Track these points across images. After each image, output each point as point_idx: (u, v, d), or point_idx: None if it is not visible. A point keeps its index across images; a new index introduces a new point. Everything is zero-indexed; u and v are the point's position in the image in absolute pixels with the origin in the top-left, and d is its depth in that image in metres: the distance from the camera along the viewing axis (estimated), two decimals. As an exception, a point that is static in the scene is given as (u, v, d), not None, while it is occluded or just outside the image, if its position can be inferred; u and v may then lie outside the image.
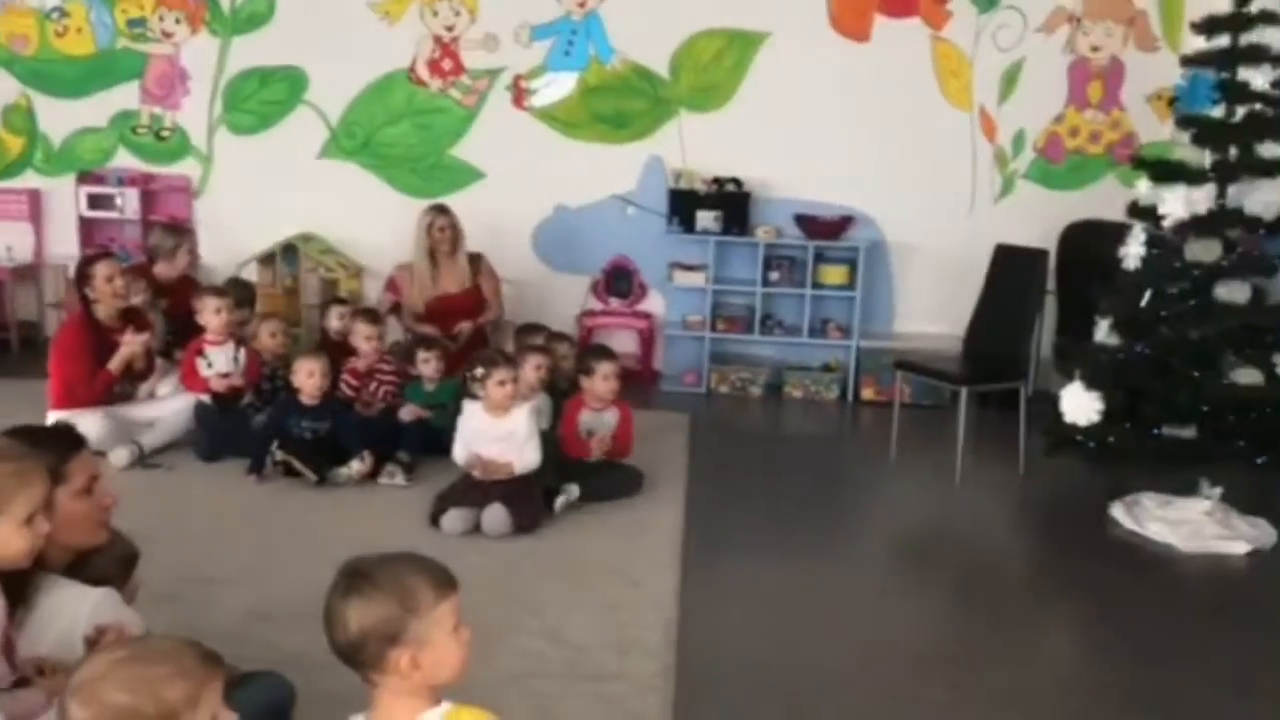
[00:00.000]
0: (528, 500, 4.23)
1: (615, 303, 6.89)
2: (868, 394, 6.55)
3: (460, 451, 4.36)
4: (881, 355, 6.36)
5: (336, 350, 5.28)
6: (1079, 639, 3.70)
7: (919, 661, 3.36)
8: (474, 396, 4.39)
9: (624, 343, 6.86)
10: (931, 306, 6.62)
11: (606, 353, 4.88)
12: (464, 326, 5.85)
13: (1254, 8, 4.52)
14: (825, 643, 3.48)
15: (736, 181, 6.57)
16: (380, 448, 4.72)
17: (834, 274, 6.57)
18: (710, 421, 6.06)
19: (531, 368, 4.86)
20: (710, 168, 6.61)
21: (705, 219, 6.55)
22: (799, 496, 4.88)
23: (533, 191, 6.77)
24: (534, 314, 6.10)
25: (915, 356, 5.64)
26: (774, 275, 6.61)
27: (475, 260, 6.02)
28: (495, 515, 4.12)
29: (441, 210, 5.94)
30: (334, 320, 5.64)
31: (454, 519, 4.15)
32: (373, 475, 4.66)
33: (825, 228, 6.54)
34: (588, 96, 6.74)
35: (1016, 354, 5.24)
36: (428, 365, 5.18)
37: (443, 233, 5.87)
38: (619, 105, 6.73)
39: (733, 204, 6.54)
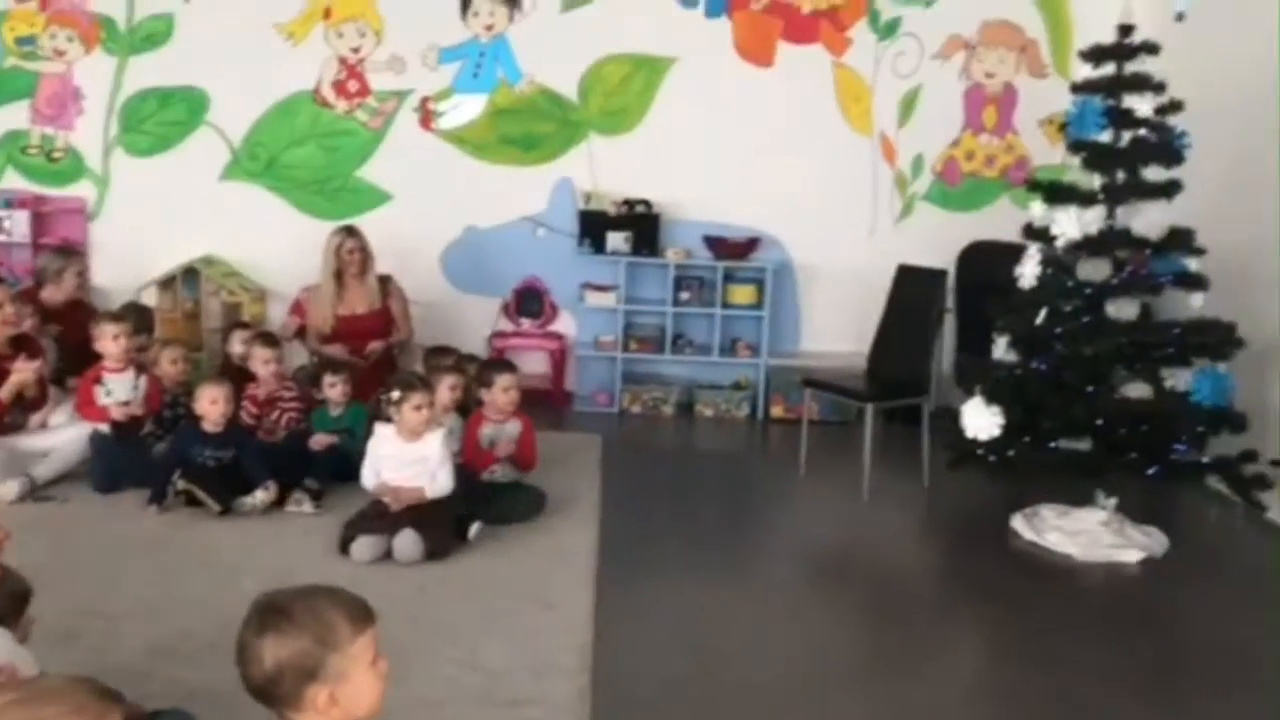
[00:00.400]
0: (439, 526, 4.18)
1: (526, 324, 6.88)
2: (777, 411, 6.64)
3: (369, 477, 4.30)
4: (790, 373, 6.46)
5: (240, 376, 5.17)
6: (987, 649, 3.79)
7: (834, 677, 3.42)
8: (386, 419, 4.34)
9: (535, 363, 6.86)
10: (837, 325, 6.75)
11: (505, 365, 4.90)
12: (375, 346, 5.78)
13: (1136, 38, 4.73)
14: (741, 661, 3.51)
15: (646, 203, 6.63)
16: (287, 475, 4.63)
17: (743, 294, 6.66)
18: (623, 441, 6.08)
19: (446, 388, 4.83)
20: (620, 190, 6.66)
21: (616, 240, 6.59)
22: (712, 515, 4.93)
23: (442, 213, 6.74)
24: (444, 336, 6.07)
25: (822, 374, 5.74)
26: (684, 295, 6.68)
27: (384, 282, 5.96)
28: (406, 541, 4.07)
29: (351, 232, 5.86)
30: (237, 345, 5.52)
31: (364, 546, 4.09)
32: (280, 503, 4.57)
33: (734, 249, 6.63)
34: (497, 119, 6.73)
35: (919, 371, 5.37)
36: (334, 390, 5.10)
37: (351, 255, 5.80)
38: (528, 128, 6.74)
39: (643, 225, 6.60)
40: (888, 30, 6.66)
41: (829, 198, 6.72)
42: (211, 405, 4.61)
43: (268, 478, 4.54)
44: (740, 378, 6.83)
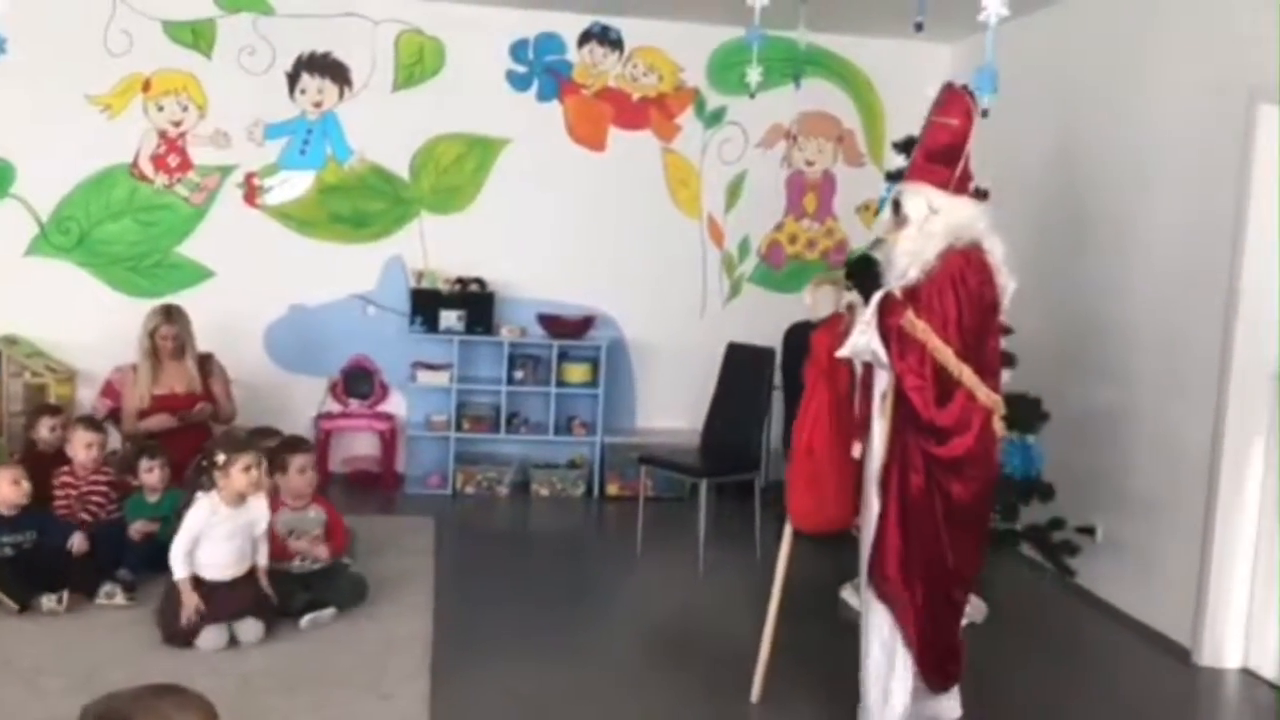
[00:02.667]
0: (269, 604, 4.14)
1: (355, 404, 6.71)
2: (613, 489, 6.66)
3: (181, 564, 4.05)
4: (625, 450, 6.51)
5: (46, 461, 4.86)
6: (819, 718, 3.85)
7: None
8: (204, 488, 4.13)
9: (365, 445, 6.70)
10: (671, 402, 6.86)
11: (300, 444, 4.71)
12: (202, 407, 5.52)
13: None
14: (581, 742, 3.47)
15: (480, 281, 6.62)
16: (99, 566, 4.36)
17: (577, 372, 6.70)
18: (457, 523, 5.97)
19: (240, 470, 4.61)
20: (453, 268, 6.64)
21: (449, 318, 6.54)
22: (548, 595, 4.88)
23: (266, 291, 6.55)
24: (268, 417, 5.83)
25: (657, 451, 5.81)
26: (519, 374, 6.67)
27: (204, 361, 5.71)
28: (251, 626, 4.02)
29: (169, 315, 5.58)
30: (44, 430, 5.18)
31: (211, 636, 3.95)
32: (89, 595, 4.28)
33: (568, 327, 6.68)
34: (325, 195, 6.63)
35: (749, 446, 5.50)
36: (151, 475, 4.83)
37: (165, 340, 5.53)
38: (358, 205, 6.66)
39: (476, 304, 6.58)
40: (714, 119, 6.92)
41: (661, 277, 6.87)
42: (13, 486, 4.32)
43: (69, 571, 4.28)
44: (576, 456, 6.83)
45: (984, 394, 3.31)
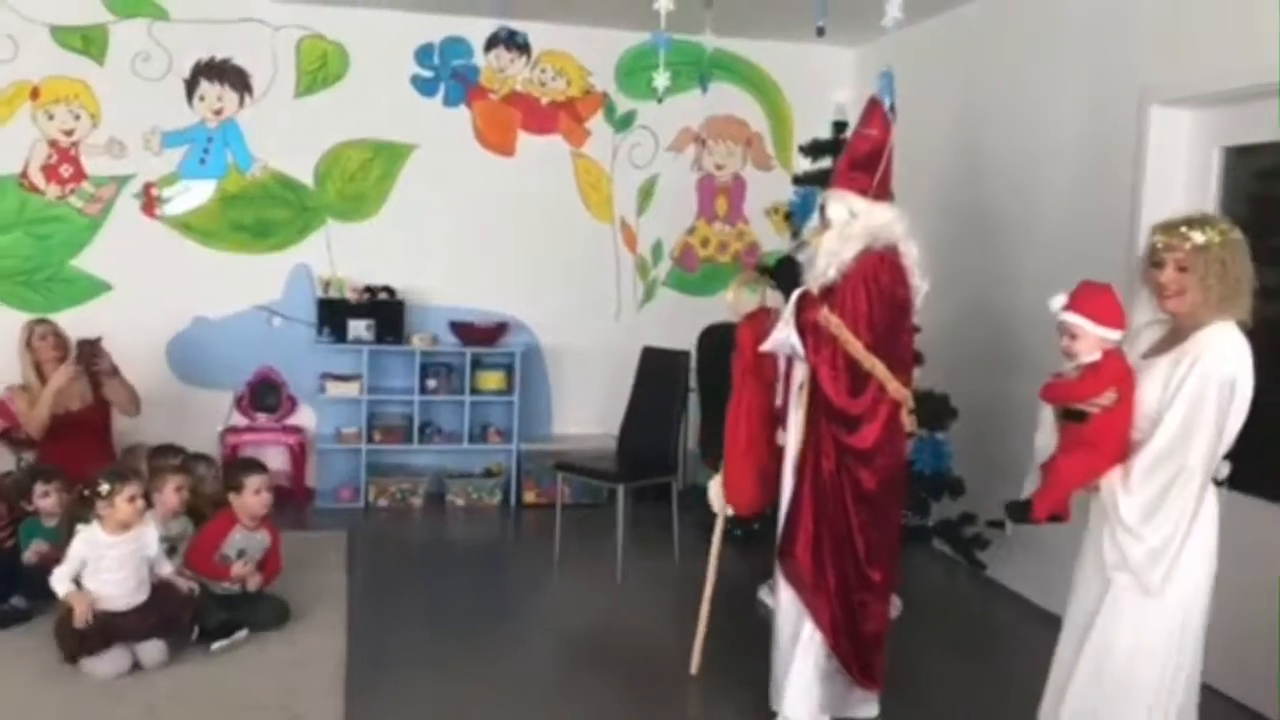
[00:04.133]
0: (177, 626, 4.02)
1: (262, 418, 6.55)
2: (530, 497, 6.61)
3: (64, 583, 3.93)
4: (542, 458, 6.46)
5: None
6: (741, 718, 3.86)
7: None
8: (87, 520, 4.01)
9: (273, 459, 6.51)
10: (587, 408, 6.83)
11: (256, 466, 4.62)
12: (97, 351, 5.38)
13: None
14: (500, 756, 3.42)
15: (389, 290, 6.51)
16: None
17: (492, 379, 6.63)
18: (370, 537, 5.87)
19: (172, 489, 4.50)
20: (361, 276, 6.53)
21: (357, 328, 6.42)
22: (465, 606, 4.81)
23: (167, 303, 6.36)
24: (171, 433, 5.67)
25: (574, 457, 5.78)
26: (431, 383, 6.57)
27: (94, 374, 5.49)
28: (154, 649, 3.91)
29: (40, 320, 5.42)
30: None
31: (111, 661, 3.82)
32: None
33: (481, 334, 6.61)
34: (227, 205, 6.46)
35: (666, 450, 5.50)
36: (47, 499, 4.65)
37: (44, 340, 5.33)
38: (261, 214, 6.51)
39: (386, 312, 6.47)
40: (623, 123, 6.91)
41: (574, 283, 6.84)
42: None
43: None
44: (492, 464, 6.76)
45: (894, 387, 3.49)
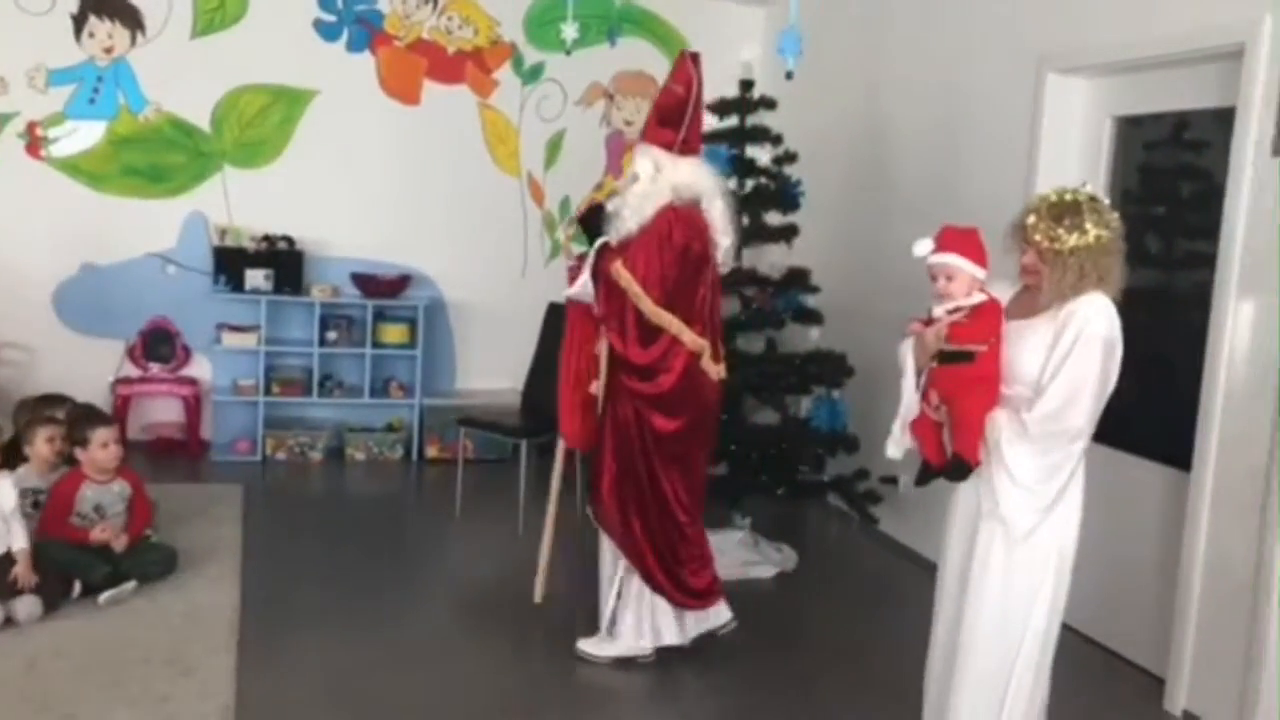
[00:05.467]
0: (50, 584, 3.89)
1: (155, 368, 6.37)
2: (432, 452, 6.56)
3: None
4: (445, 413, 6.41)
5: None
6: (641, 674, 3.90)
7: (490, 714, 3.40)
8: None
9: (167, 411, 6.39)
10: (492, 363, 6.79)
11: (101, 417, 4.47)
12: None
13: (756, 93, 5.15)
14: (394, 708, 3.42)
15: (288, 239, 6.36)
16: None
17: (394, 333, 6.54)
18: (267, 490, 5.77)
19: (43, 441, 4.32)
20: (259, 225, 6.36)
21: (255, 278, 6.27)
22: (364, 562, 4.77)
23: (54, 249, 6.13)
24: (58, 383, 5.47)
25: (477, 412, 5.75)
26: (332, 335, 6.46)
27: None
28: (27, 602, 3.79)
29: None
30: None
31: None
32: None
33: (383, 286, 6.51)
34: (118, 148, 6.23)
35: (570, 406, 5.49)
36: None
37: None
38: (154, 158, 6.29)
39: (285, 262, 6.33)
40: (532, 75, 6.83)
41: (480, 236, 6.77)
42: None
43: None
44: (393, 419, 6.69)
45: (689, 338, 3.64)
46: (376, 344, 6.50)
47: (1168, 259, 4.32)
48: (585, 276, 3.71)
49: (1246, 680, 3.46)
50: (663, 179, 3.63)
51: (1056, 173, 4.46)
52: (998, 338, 2.76)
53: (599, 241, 3.72)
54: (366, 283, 6.49)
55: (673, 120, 3.68)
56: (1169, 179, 4.29)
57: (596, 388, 3.84)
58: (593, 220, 3.85)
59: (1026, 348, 2.73)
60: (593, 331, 3.84)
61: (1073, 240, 2.66)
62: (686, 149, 3.69)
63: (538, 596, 4.24)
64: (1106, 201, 2.79)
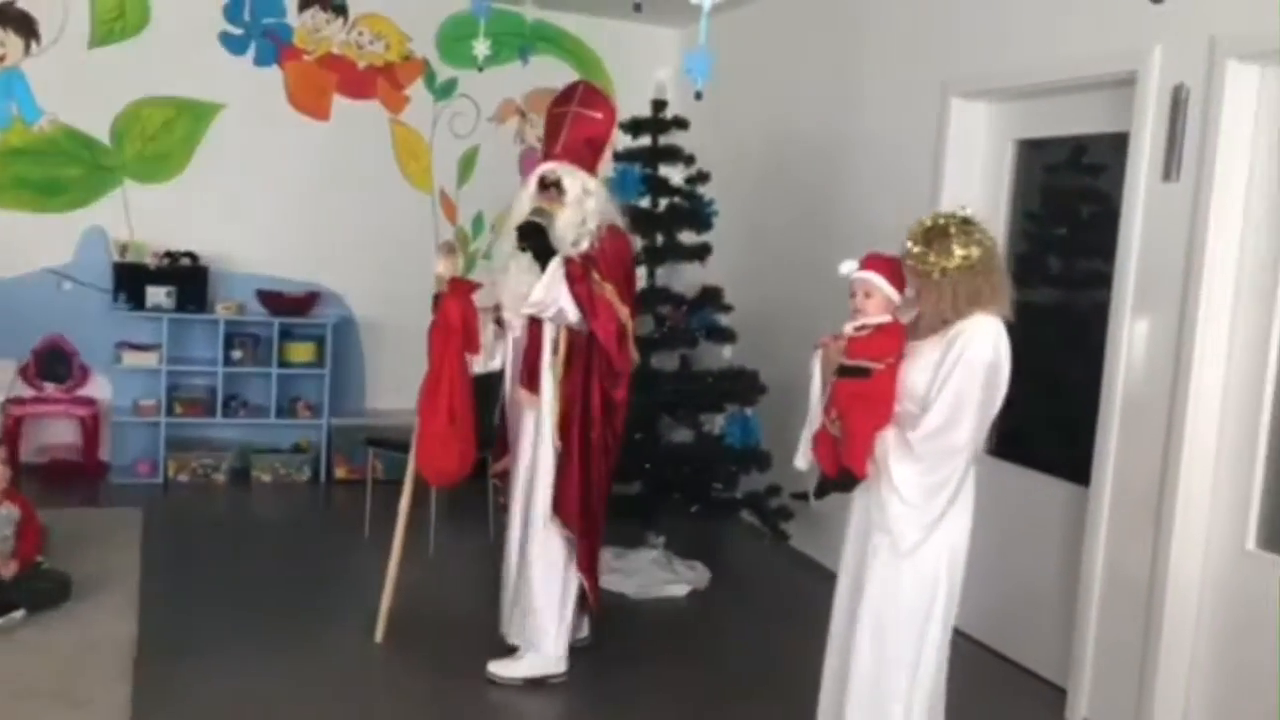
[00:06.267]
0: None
1: (50, 388, 6.15)
2: (341, 473, 6.44)
3: None
4: (354, 433, 6.29)
5: None
6: (557, 690, 3.86)
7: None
8: None
9: (63, 432, 6.18)
10: (403, 382, 6.61)
11: None
12: None
13: (668, 113, 5.18)
14: (300, 737, 3.33)
15: (192, 255, 6.20)
16: None
17: (302, 351, 6.41)
18: (168, 514, 5.60)
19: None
20: (161, 241, 6.19)
21: (157, 295, 6.10)
22: (270, 587, 4.65)
23: (-59, 264, 5.89)
24: (-55, 405, 5.27)
25: (387, 432, 5.65)
26: (237, 354, 6.31)
27: None
28: None
29: None
30: None
31: None
32: None
33: (291, 304, 6.38)
34: (10, 159, 6.01)
35: (482, 425, 5.42)
36: None
37: None
38: (49, 171, 6.09)
39: (188, 279, 6.17)
40: (444, 91, 6.78)
41: (391, 252, 6.67)
42: None
43: None
44: (301, 439, 6.55)
45: (632, 349, 3.85)
46: (283, 363, 6.36)
47: (1068, 279, 4.44)
48: (554, 293, 3.63)
49: (1142, 689, 3.56)
50: (591, 201, 3.73)
51: (961, 193, 4.55)
52: (897, 358, 2.81)
53: (558, 259, 3.66)
54: (273, 300, 6.36)
55: (596, 147, 3.82)
56: (1068, 201, 4.41)
57: (531, 400, 3.85)
58: (536, 237, 3.79)
59: (916, 366, 2.80)
60: (463, 361, 3.85)
61: (941, 263, 2.73)
62: (595, 173, 3.85)
63: (379, 635, 4.11)
64: (980, 222, 2.83)
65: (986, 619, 4.51)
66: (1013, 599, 4.34)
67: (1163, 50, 3.55)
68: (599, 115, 3.81)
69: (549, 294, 3.64)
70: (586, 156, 3.78)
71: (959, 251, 2.74)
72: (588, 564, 3.85)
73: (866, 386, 2.82)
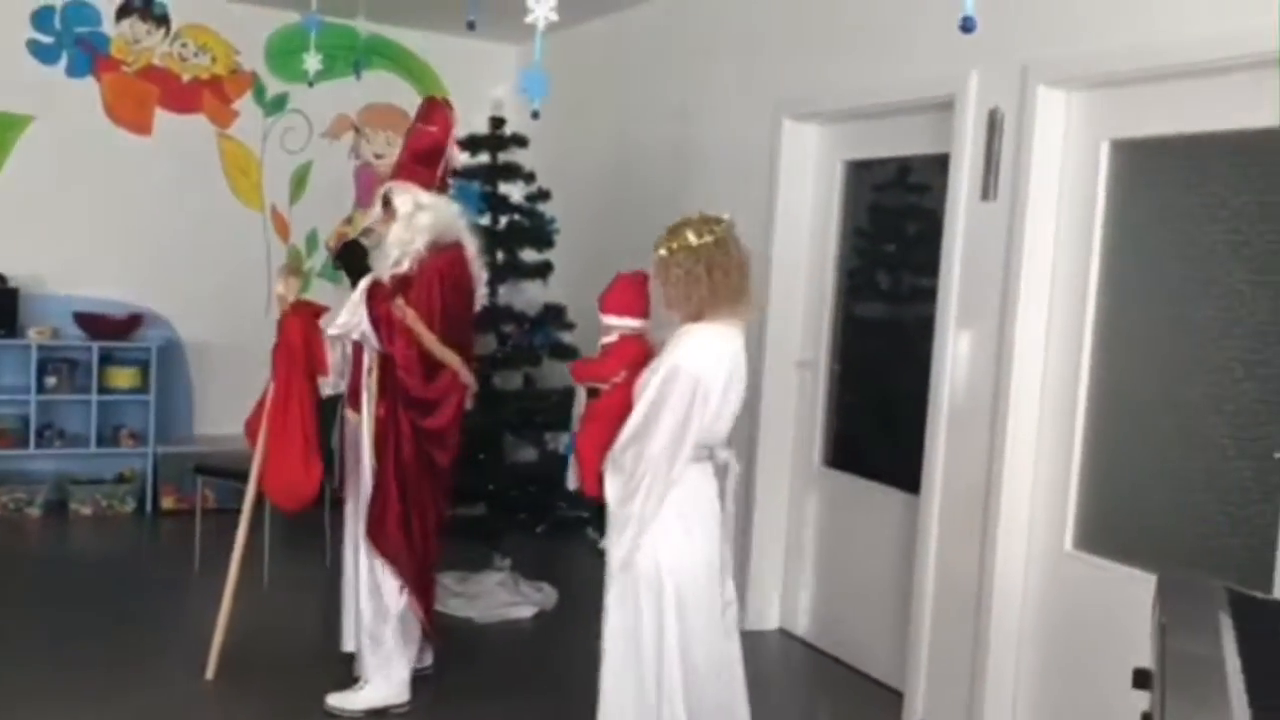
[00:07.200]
0: None
1: None
2: (169, 503, 6.15)
3: None
4: (182, 460, 6.01)
5: None
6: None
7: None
8: None
9: None
10: (234, 407, 6.32)
11: None
12: None
13: (507, 130, 5.15)
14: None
15: (1, 277, 5.82)
16: None
17: (124, 377, 6.10)
18: (-25, 553, 5.23)
19: None
20: (-35, 262, 5.80)
21: (-40, 320, 5.70)
22: (91, 627, 4.39)
23: None
24: None
25: (217, 459, 5.42)
26: (51, 380, 5.95)
27: None
28: None
29: None
30: None
31: None
32: None
33: (111, 327, 6.06)
34: None
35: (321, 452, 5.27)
36: None
37: None
38: None
39: (-4, 302, 5.79)
40: (275, 106, 6.57)
41: (220, 272, 6.42)
42: None
43: None
44: (124, 469, 6.22)
45: (464, 374, 3.75)
46: (104, 389, 6.03)
47: (896, 294, 4.61)
48: (357, 315, 3.62)
49: (974, 689, 3.70)
50: (423, 217, 3.66)
51: (794, 212, 4.69)
52: (628, 375, 2.88)
53: (367, 279, 3.68)
54: (92, 323, 6.02)
55: (429, 160, 3.75)
56: (896, 219, 4.58)
57: (354, 419, 3.81)
58: (353, 257, 3.76)
59: (644, 380, 2.85)
60: (312, 385, 3.80)
61: (670, 243, 2.88)
62: (442, 188, 3.79)
63: (210, 673, 3.94)
64: (730, 226, 2.97)
65: (825, 626, 4.62)
66: (850, 606, 4.46)
67: (979, 75, 3.73)
68: (434, 128, 3.79)
69: (353, 316, 3.63)
70: (421, 171, 3.74)
71: (690, 235, 2.85)
72: (416, 588, 3.76)
73: (595, 406, 2.92)
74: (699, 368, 2.80)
